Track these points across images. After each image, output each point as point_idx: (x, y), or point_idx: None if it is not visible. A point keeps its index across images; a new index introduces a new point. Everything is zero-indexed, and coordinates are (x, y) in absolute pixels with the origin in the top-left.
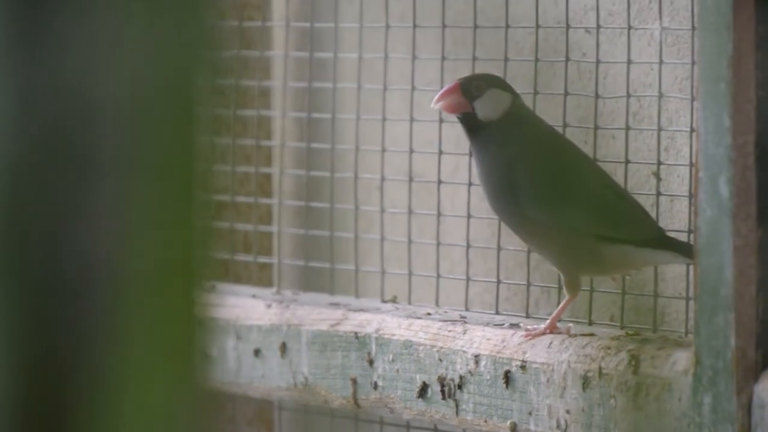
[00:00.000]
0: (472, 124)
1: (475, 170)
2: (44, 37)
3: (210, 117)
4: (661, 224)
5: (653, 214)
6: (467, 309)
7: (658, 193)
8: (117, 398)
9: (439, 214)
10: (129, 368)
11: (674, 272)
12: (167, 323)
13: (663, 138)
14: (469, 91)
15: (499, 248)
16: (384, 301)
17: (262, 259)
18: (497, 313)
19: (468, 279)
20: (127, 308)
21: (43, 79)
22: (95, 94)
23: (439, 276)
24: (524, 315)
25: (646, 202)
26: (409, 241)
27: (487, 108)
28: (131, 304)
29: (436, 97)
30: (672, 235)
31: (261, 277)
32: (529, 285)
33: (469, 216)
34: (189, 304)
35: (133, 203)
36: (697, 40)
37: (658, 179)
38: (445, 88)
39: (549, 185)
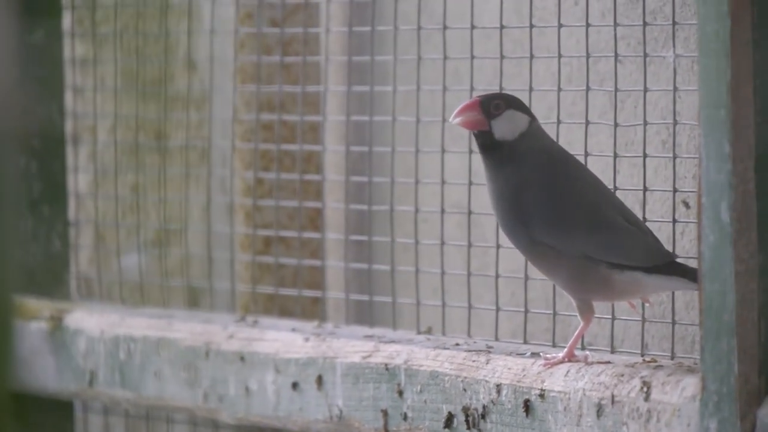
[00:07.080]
0: (487, 143)
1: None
2: None
3: None
4: (688, 252)
5: (679, 242)
6: (497, 339)
7: (674, 221)
8: None
9: (469, 245)
10: None
11: None
12: None
13: (692, 166)
14: (488, 110)
15: (526, 278)
16: (419, 333)
17: (307, 293)
18: (525, 342)
19: (498, 309)
20: None
21: None
22: None
23: (470, 306)
24: (551, 344)
25: (674, 230)
26: (442, 273)
27: (503, 128)
28: None
29: (455, 112)
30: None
31: (313, 310)
32: (555, 314)
33: (498, 246)
34: None
35: None
36: (699, 66)
37: (685, 207)
38: (465, 103)
39: (558, 210)
